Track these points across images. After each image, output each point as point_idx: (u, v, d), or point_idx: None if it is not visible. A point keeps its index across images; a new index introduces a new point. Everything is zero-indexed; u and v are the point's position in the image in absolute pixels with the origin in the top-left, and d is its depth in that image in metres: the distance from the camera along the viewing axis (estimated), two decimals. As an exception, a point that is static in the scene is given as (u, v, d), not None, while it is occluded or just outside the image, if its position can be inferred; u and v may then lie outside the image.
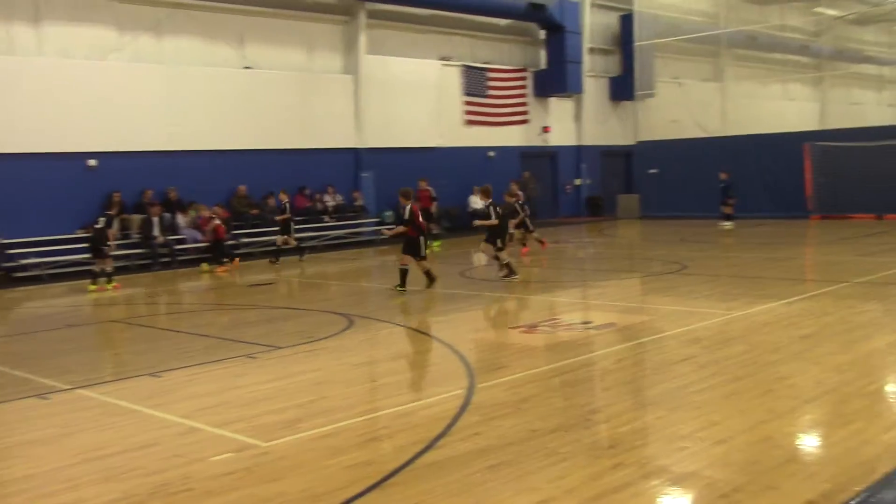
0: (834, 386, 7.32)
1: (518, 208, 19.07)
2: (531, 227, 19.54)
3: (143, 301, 15.66)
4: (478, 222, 16.61)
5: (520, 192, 19.68)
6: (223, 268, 18.72)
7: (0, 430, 7.30)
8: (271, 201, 22.19)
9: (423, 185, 22.66)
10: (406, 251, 14.24)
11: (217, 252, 19.00)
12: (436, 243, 21.29)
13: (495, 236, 15.23)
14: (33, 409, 7.61)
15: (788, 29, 37.39)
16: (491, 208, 15.36)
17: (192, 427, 6.77)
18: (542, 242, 19.77)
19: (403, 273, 14.08)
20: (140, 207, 20.14)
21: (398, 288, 14.00)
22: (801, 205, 26.84)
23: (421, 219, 14.57)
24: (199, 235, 20.68)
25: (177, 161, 21.06)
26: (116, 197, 19.42)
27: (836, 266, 16.27)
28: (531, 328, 10.64)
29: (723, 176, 25.14)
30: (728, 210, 24.97)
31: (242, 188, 22.10)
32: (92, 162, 19.89)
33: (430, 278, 14.30)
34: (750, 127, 29.84)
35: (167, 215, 20.30)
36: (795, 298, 11.98)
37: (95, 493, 5.33)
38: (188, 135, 21.29)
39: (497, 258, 15.22)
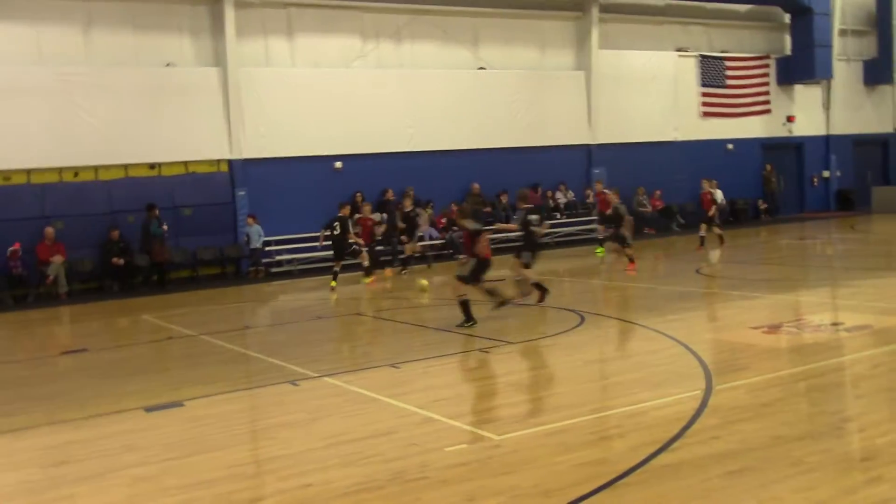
0: None
1: (621, 214, 16.88)
2: (629, 241, 16.85)
3: (386, 295, 16.39)
4: (500, 226, 15.72)
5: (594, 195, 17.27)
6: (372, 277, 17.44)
7: (257, 412, 7.94)
8: (504, 198, 22.53)
9: (600, 187, 21.18)
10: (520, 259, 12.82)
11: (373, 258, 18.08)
12: (598, 250, 20.12)
13: (524, 248, 13.02)
14: (286, 395, 8.18)
15: None
16: (528, 214, 12.99)
17: (429, 417, 6.99)
18: (631, 261, 16.40)
19: (490, 293, 11.53)
20: (382, 206, 21.09)
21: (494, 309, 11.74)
22: None
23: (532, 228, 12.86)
24: (435, 233, 21.39)
25: (415, 161, 21.89)
26: (359, 197, 20.46)
27: None
28: (774, 329, 10.05)
29: None
30: None
31: (476, 186, 22.57)
32: (338, 164, 21.11)
33: (541, 290, 12.65)
34: None
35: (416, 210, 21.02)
36: None
37: (340, 476, 5.64)
38: (425, 136, 22.07)
39: (521, 278, 12.90)
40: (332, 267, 16.51)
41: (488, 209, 21.82)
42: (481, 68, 23.26)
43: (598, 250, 20.12)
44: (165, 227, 18.51)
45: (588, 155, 24.85)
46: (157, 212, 18.47)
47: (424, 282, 14.21)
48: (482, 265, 11.11)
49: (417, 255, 19.80)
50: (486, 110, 23.04)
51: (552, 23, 24.60)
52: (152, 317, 14.60)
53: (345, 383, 8.43)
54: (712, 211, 19.51)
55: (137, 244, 18.67)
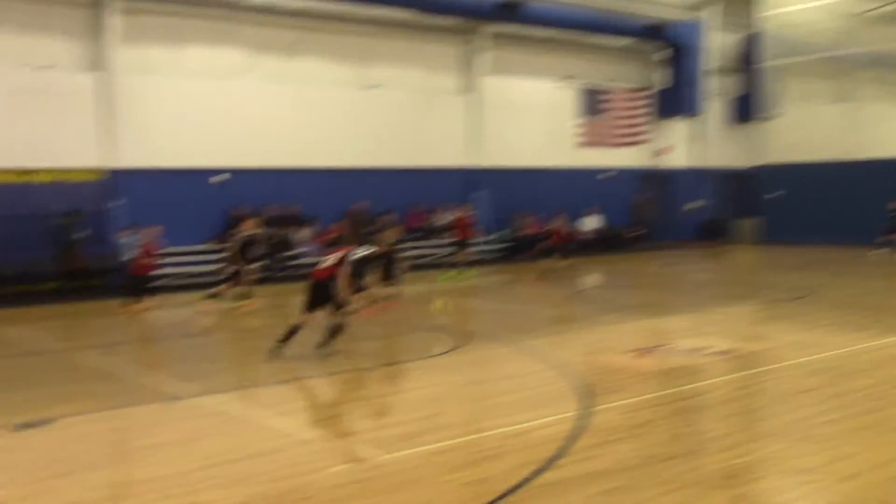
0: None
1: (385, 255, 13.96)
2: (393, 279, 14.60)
3: (265, 314, 16.11)
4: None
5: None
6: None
7: (130, 431, 7.70)
8: (389, 218, 22.61)
9: (462, 212, 20.90)
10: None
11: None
12: (471, 271, 19.99)
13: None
14: (161, 413, 7.98)
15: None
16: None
17: (310, 437, 6.97)
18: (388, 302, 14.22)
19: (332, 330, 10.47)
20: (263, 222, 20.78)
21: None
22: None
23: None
24: (316, 251, 21.26)
25: (301, 178, 21.71)
26: (240, 212, 20.11)
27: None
28: (646, 352, 10.48)
29: (893, 205, 23.88)
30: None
31: (360, 205, 22.55)
32: (221, 177, 20.72)
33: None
34: (881, 151, 28.58)
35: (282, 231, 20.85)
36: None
37: (220, 497, 5.55)
38: (312, 152, 21.94)
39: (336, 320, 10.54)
40: (220, 283, 15.73)
41: (371, 229, 21.82)
42: (370, 87, 23.34)
43: (452, 274, 20.01)
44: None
45: (470, 178, 25.23)
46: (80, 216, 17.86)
47: (440, 303, 13.98)
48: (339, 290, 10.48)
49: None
50: (374, 130, 23.12)
51: (440, 46, 24.96)
52: (19, 328, 13.93)
53: (222, 402, 8.29)
54: (564, 244, 19.37)
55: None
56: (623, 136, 28.91)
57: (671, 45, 29.19)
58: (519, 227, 25.40)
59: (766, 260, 25.51)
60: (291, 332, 10.33)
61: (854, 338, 11.02)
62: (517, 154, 25.96)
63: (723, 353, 10.35)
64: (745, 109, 31.54)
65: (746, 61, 31.70)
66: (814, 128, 30.79)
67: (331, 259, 10.55)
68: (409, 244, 21.47)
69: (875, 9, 31.19)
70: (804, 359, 9.78)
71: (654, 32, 28.31)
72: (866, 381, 8.60)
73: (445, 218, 24.44)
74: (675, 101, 29.58)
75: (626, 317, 13.83)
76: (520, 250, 24.80)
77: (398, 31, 23.84)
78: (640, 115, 29.26)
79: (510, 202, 25.17)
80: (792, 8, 29.12)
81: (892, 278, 19.70)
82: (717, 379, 9.08)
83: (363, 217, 22.45)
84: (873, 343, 10.67)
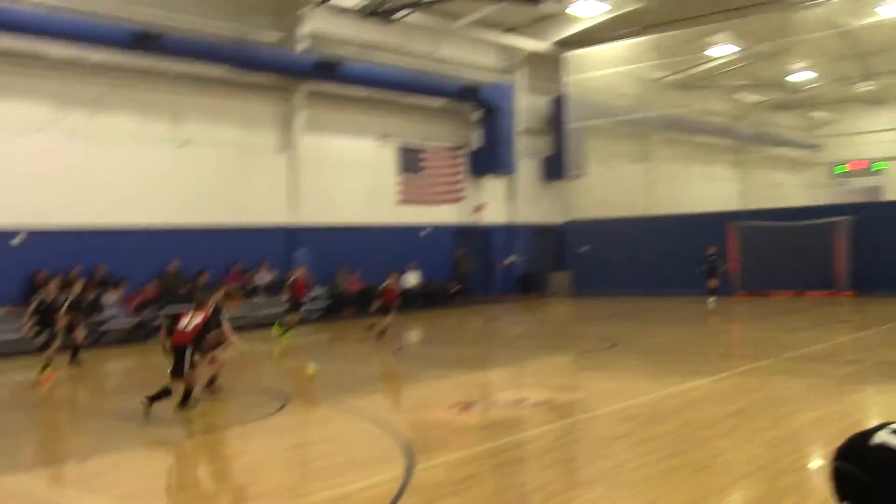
0: (766, 462, 7.46)
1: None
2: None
3: (73, 383, 15.12)
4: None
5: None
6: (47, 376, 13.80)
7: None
8: (203, 278, 21.90)
9: (299, 272, 19.89)
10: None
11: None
12: (274, 329, 18.47)
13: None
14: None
15: (711, 113, 38.95)
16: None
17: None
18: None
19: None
20: (67, 285, 19.61)
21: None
22: (727, 282, 27.57)
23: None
24: (125, 313, 20.25)
25: (109, 239, 20.69)
26: (42, 275, 18.90)
27: (763, 342, 16.68)
28: (467, 407, 10.61)
29: (711, 250, 24.64)
30: (713, 285, 24.17)
31: (174, 265, 21.77)
32: (18, 237, 19.42)
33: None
34: (676, 206, 30.77)
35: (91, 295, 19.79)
36: (726, 374, 12.23)
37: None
38: (121, 211, 20.98)
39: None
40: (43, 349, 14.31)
41: (185, 290, 21.07)
42: (182, 144, 22.70)
43: (286, 335, 19.42)
44: None
45: (291, 236, 24.97)
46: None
47: (310, 370, 13.19)
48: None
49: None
50: (188, 188, 22.43)
51: (258, 104, 24.70)
52: None
53: (25, 481, 7.66)
54: (397, 301, 19.34)
55: None
56: (441, 193, 29.59)
57: (484, 106, 30.32)
58: (341, 285, 25.31)
59: (579, 311, 26.65)
60: (163, 394, 10.06)
61: (662, 383, 11.64)
62: (338, 211, 25.96)
63: (541, 403, 10.64)
64: (555, 168, 33.09)
65: (555, 123, 33.39)
66: (617, 185, 32.82)
67: (192, 322, 10.33)
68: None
69: (667, 76, 33.86)
70: (616, 406, 10.22)
71: (468, 94, 29.33)
72: (673, 425, 9.08)
73: (265, 277, 24.00)
74: (490, 159, 30.64)
75: (449, 372, 13.98)
76: (342, 308, 24.74)
77: (213, 87, 23.41)
78: (457, 173, 30.10)
79: (331, 259, 25.07)
80: (594, 73, 31.03)
81: (696, 324, 21.02)
82: (537, 430, 9.31)
83: (176, 278, 21.68)
84: (679, 388, 11.30)
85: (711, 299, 23.77)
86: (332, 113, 26.47)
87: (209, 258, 21.92)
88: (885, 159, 41.83)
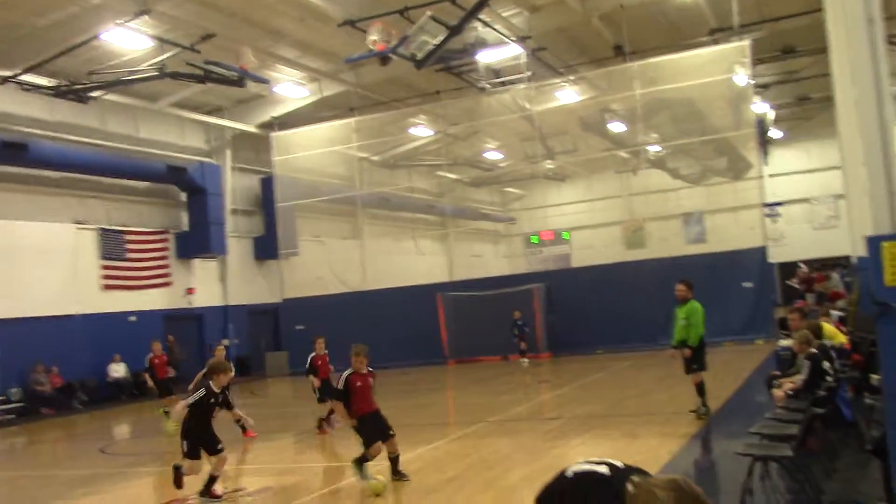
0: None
1: None
2: None
3: None
4: None
5: None
6: None
7: None
8: None
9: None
10: None
11: None
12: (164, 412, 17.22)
13: None
14: None
15: (417, 190, 40.89)
16: None
17: None
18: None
19: None
20: None
21: None
22: (439, 351, 28.75)
23: None
24: None
25: None
26: None
27: (473, 407, 17.52)
28: (181, 502, 10.12)
29: (517, 315, 26.24)
30: (524, 346, 26.23)
31: None
32: None
33: None
34: (388, 281, 31.74)
35: None
36: (441, 442, 12.68)
37: None
38: None
39: None
40: None
41: None
42: None
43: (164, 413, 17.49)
44: None
45: (-25, 332, 22.59)
46: None
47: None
48: None
49: None
50: None
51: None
52: None
53: None
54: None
55: None
56: (148, 278, 28.35)
57: (191, 187, 29.67)
58: (37, 382, 23.22)
59: (298, 391, 26.39)
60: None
61: (380, 457, 11.79)
62: (33, 302, 23.89)
63: (260, 491, 10.40)
64: (268, 247, 32.93)
65: (265, 202, 33.36)
66: (331, 263, 33.30)
67: None
68: None
69: (374, 156, 35.19)
70: (338, 485, 10.23)
71: (174, 175, 28.60)
72: (392, 499, 9.24)
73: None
74: (199, 241, 29.90)
75: (160, 467, 13.25)
76: (39, 407, 22.72)
77: None
78: (164, 257, 29.04)
79: (24, 355, 22.91)
80: (302, 154, 31.50)
81: (410, 394, 21.54)
82: (256, 519, 9.08)
83: None
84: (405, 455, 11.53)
85: (524, 360, 25.94)
86: (22, 197, 24.56)
87: None
88: (569, 229, 46.10)
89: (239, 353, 31.73)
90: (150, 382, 17.67)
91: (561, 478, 3.03)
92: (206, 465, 9.66)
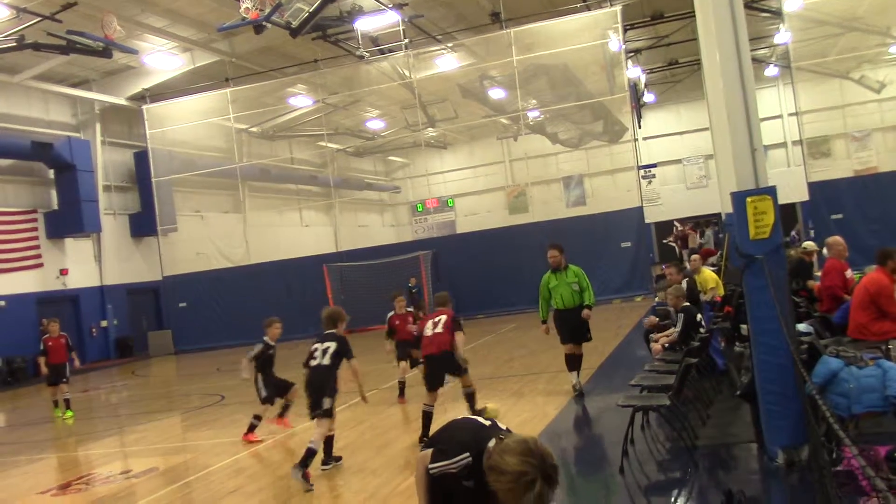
0: (375, 489, 7.89)
1: None
2: None
3: None
4: None
5: None
6: None
7: None
8: None
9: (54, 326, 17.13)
10: None
11: None
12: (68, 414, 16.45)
13: None
14: None
15: (298, 161, 40.29)
16: None
17: None
18: None
19: None
20: None
21: None
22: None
23: None
24: None
25: None
26: None
27: (365, 376, 17.49)
28: (65, 488, 9.81)
29: (412, 281, 26.47)
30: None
31: None
32: None
33: None
34: (273, 254, 31.29)
35: None
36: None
37: None
38: None
39: None
40: None
41: None
42: None
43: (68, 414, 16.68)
44: None
45: None
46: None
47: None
48: None
49: None
50: None
51: None
52: None
53: None
54: None
55: None
56: (16, 259, 27.07)
57: (58, 164, 28.37)
58: None
59: (183, 369, 25.82)
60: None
61: (270, 431, 11.72)
62: None
63: (148, 471, 10.17)
64: (145, 224, 31.92)
65: (140, 178, 32.23)
66: (212, 238, 32.53)
67: None
68: None
69: (252, 127, 34.41)
70: (226, 461, 10.11)
71: (39, 152, 27.27)
72: (283, 472, 9.20)
73: None
74: (70, 220, 28.68)
75: (40, 453, 12.79)
76: None
77: None
78: (34, 237, 27.78)
79: None
80: (177, 126, 30.54)
81: (292, 369, 21.39)
82: (146, 499, 8.89)
83: None
84: (285, 435, 11.47)
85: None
86: None
87: None
88: (453, 196, 46.40)
89: (119, 334, 30.76)
90: (44, 367, 16.57)
91: (453, 420, 3.97)
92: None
